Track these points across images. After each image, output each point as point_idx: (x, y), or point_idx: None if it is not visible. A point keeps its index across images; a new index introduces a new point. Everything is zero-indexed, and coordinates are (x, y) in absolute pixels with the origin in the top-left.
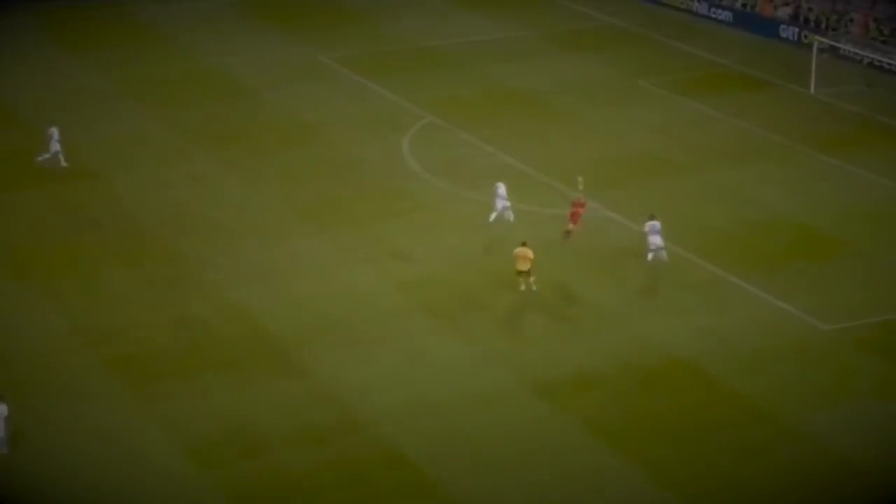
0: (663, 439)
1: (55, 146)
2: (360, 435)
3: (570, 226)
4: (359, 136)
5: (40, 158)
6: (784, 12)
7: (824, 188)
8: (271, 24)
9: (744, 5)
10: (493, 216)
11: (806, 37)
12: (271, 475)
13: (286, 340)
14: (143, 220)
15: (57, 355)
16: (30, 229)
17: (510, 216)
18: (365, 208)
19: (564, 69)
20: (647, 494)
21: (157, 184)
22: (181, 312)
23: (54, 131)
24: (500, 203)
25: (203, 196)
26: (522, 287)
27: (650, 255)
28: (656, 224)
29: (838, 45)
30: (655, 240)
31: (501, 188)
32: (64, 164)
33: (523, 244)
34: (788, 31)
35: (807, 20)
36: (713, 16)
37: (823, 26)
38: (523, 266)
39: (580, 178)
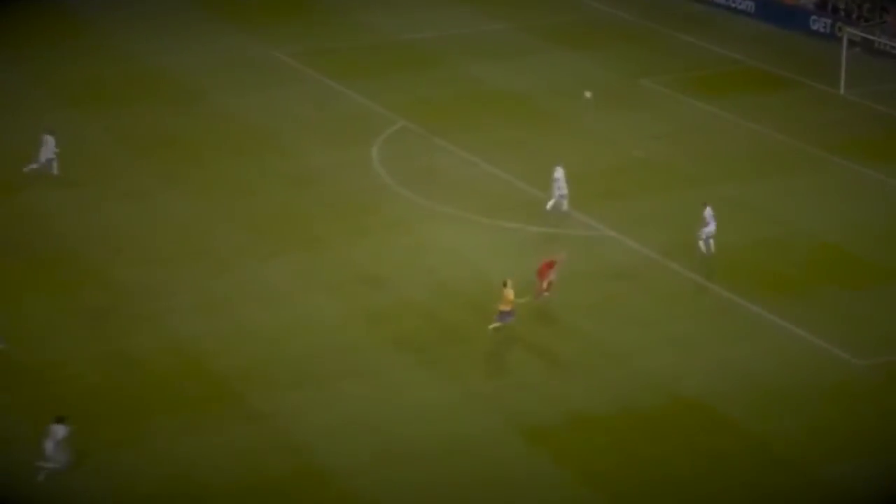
0: (672, 491)
1: (48, 154)
2: (322, 487)
3: (544, 284)
4: (321, 144)
5: (26, 169)
6: (810, 0)
7: (854, 202)
8: (219, 16)
9: None
10: (550, 204)
11: (840, 29)
12: None
13: (237, 380)
14: (74, 241)
15: None
16: None
17: (564, 206)
18: (328, 227)
19: (555, 67)
20: None
21: (91, 200)
22: (115, 347)
23: (49, 139)
24: (558, 190)
25: (142, 214)
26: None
27: (702, 245)
28: (709, 211)
29: (872, 37)
30: (711, 228)
31: (559, 171)
32: (56, 172)
33: (504, 284)
34: (819, 24)
35: (835, 9)
36: (732, 5)
37: (855, 16)
38: (504, 308)
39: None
